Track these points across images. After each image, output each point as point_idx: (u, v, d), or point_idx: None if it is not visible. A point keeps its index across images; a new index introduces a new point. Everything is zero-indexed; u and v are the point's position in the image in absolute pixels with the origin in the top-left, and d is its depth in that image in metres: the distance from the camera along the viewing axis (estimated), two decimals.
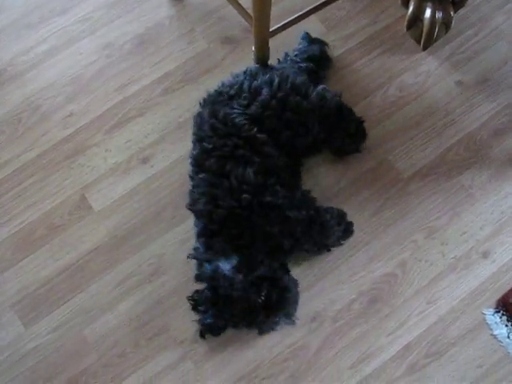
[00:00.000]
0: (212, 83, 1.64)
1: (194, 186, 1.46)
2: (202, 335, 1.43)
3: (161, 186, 1.61)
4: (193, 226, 1.48)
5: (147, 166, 1.63)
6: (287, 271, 1.44)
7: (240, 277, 1.34)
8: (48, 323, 1.49)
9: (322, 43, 1.70)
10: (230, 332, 1.46)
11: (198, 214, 1.44)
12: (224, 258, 1.37)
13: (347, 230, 1.53)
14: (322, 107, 1.52)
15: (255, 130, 1.44)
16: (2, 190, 1.61)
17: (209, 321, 1.40)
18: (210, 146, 1.44)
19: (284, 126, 1.48)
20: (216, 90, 1.55)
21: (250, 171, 1.40)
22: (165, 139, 1.66)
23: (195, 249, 1.43)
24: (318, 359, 1.45)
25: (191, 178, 1.48)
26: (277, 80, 1.50)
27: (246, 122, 1.44)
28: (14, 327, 1.49)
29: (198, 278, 1.42)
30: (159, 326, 1.47)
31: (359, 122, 1.60)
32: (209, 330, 1.42)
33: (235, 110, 1.46)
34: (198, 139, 1.49)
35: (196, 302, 1.42)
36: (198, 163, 1.46)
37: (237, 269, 1.35)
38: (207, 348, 1.46)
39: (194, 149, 1.50)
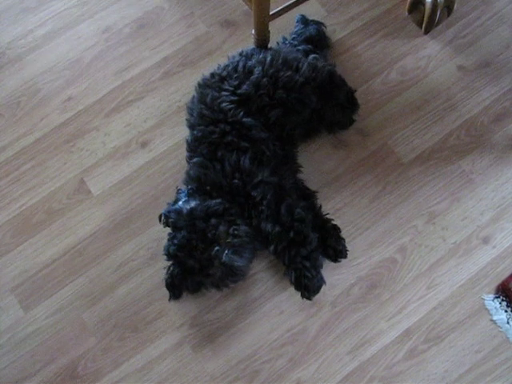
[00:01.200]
0: (212, 67, 1.62)
1: (189, 168, 1.46)
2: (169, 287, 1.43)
3: (160, 170, 1.60)
4: None
5: (146, 151, 1.62)
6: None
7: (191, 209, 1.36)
8: (47, 307, 1.49)
9: (317, 24, 1.69)
10: (228, 317, 1.47)
11: (189, 180, 1.44)
12: (185, 199, 1.38)
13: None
14: (314, 78, 1.50)
15: (241, 114, 1.43)
16: (1, 173, 1.61)
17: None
18: (200, 134, 1.44)
19: (277, 104, 1.47)
20: (211, 73, 1.54)
21: (245, 158, 1.40)
22: (164, 123, 1.65)
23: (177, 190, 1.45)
24: (317, 344, 1.45)
25: (187, 162, 1.48)
26: (269, 58, 1.49)
27: (232, 106, 1.44)
28: (13, 311, 1.49)
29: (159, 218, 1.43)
30: (158, 310, 1.48)
31: (350, 92, 1.58)
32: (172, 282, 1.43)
33: (223, 93, 1.45)
34: (190, 126, 1.50)
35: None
36: (192, 149, 1.47)
37: (193, 210, 1.36)
38: (206, 332, 1.46)
39: (189, 134, 1.51)
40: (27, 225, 1.56)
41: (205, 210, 1.35)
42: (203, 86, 1.52)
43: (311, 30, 1.65)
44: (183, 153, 1.53)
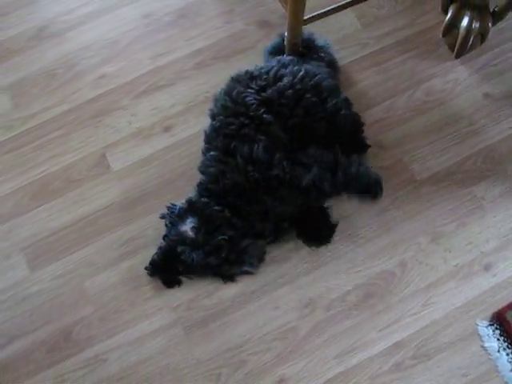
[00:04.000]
0: (243, 64, 1.68)
1: (206, 159, 1.50)
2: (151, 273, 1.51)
3: (179, 155, 1.65)
4: None
5: (168, 135, 1.67)
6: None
7: (200, 243, 1.42)
8: (53, 270, 1.55)
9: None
10: (224, 305, 1.50)
11: (208, 174, 1.49)
12: (181, 220, 1.45)
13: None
14: (333, 121, 1.53)
15: (262, 110, 1.46)
16: (28, 138, 1.68)
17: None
18: (218, 124, 1.48)
19: (294, 117, 1.50)
20: (246, 70, 1.57)
21: (259, 147, 1.43)
22: (189, 111, 1.70)
23: (168, 208, 1.51)
24: (306, 344, 1.47)
25: (203, 153, 1.52)
26: (301, 73, 1.52)
27: (255, 101, 1.47)
28: (20, 270, 1.55)
29: (164, 238, 1.49)
30: (157, 288, 1.52)
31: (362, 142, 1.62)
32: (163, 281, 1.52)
33: (249, 90, 1.49)
34: (211, 116, 1.54)
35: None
36: (209, 140, 1.51)
37: (196, 229, 1.43)
38: (200, 317, 1.49)
39: (208, 125, 1.55)
40: (46, 190, 1.63)
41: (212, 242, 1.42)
42: (234, 80, 1.56)
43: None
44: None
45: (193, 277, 1.51)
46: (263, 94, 1.48)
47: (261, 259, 1.50)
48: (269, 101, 1.48)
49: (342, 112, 1.54)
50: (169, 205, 1.52)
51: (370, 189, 1.54)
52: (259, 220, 1.45)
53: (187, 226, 1.45)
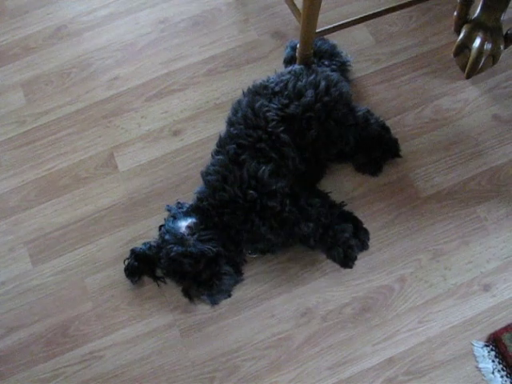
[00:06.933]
0: (255, 73, 1.70)
1: (211, 163, 1.52)
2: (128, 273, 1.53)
3: (186, 160, 1.67)
4: None
5: (177, 139, 1.70)
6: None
7: (186, 243, 1.43)
8: (55, 265, 1.57)
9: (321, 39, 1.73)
10: (221, 310, 1.51)
11: (207, 184, 1.49)
12: (184, 216, 1.47)
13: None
14: (364, 128, 1.57)
15: (281, 128, 1.47)
16: (39, 134, 1.72)
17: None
18: (235, 132, 1.49)
19: (324, 132, 1.52)
20: (261, 83, 1.58)
21: (265, 170, 1.44)
22: (199, 117, 1.72)
23: (178, 203, 1.55)
24: (300, 353, 1.47)
25: (212, 156, 1.54)
26: (323, 83, 1.53)
27: (276, 117, 1.48)
28: (23, 263, 1.58)
29: (160, 228, 1.52)
30: (156, 289, 1.53)
31: (394, 146, 1.64)
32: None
33: (272, 105, 1.50)
34: (229, 123, 1.55)
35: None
36: (221, 144, 1.52)
37: (190, 229, 1.44)
38: (196, 320, 1.51)
39: (224, 130, 1.56)
40: (53, 186, 1.66)
41: (198, 254, 1.42)
42: (254, 92, 1.56)
43: (328, 45, 1.71)
44: (211, 148, 1.59)
45: (166, 281, 1.52)
46: (286, 110, 1.49)
47: (225, 294, 1.50)
48: (291, 117, 1.49)
49: (372, 121, 1.58)
50: (179, 201, 1.55)
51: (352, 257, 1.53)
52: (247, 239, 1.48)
53: (185, 223, 1.46)
